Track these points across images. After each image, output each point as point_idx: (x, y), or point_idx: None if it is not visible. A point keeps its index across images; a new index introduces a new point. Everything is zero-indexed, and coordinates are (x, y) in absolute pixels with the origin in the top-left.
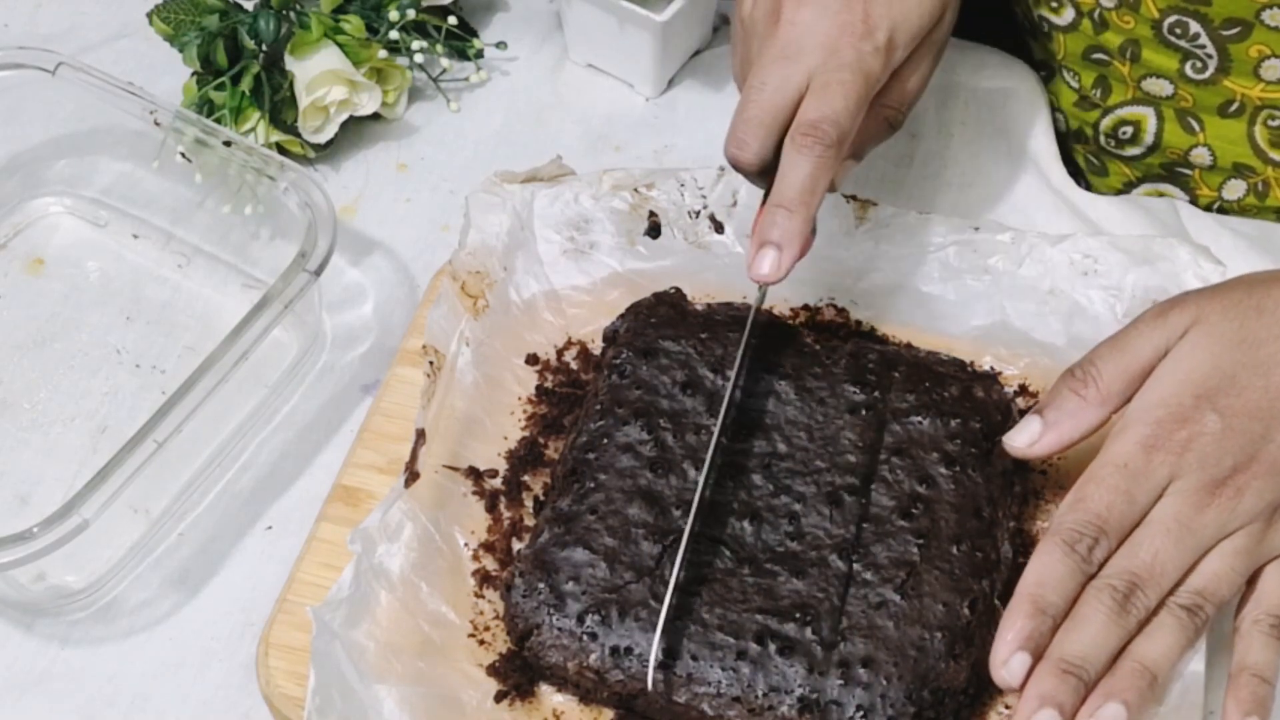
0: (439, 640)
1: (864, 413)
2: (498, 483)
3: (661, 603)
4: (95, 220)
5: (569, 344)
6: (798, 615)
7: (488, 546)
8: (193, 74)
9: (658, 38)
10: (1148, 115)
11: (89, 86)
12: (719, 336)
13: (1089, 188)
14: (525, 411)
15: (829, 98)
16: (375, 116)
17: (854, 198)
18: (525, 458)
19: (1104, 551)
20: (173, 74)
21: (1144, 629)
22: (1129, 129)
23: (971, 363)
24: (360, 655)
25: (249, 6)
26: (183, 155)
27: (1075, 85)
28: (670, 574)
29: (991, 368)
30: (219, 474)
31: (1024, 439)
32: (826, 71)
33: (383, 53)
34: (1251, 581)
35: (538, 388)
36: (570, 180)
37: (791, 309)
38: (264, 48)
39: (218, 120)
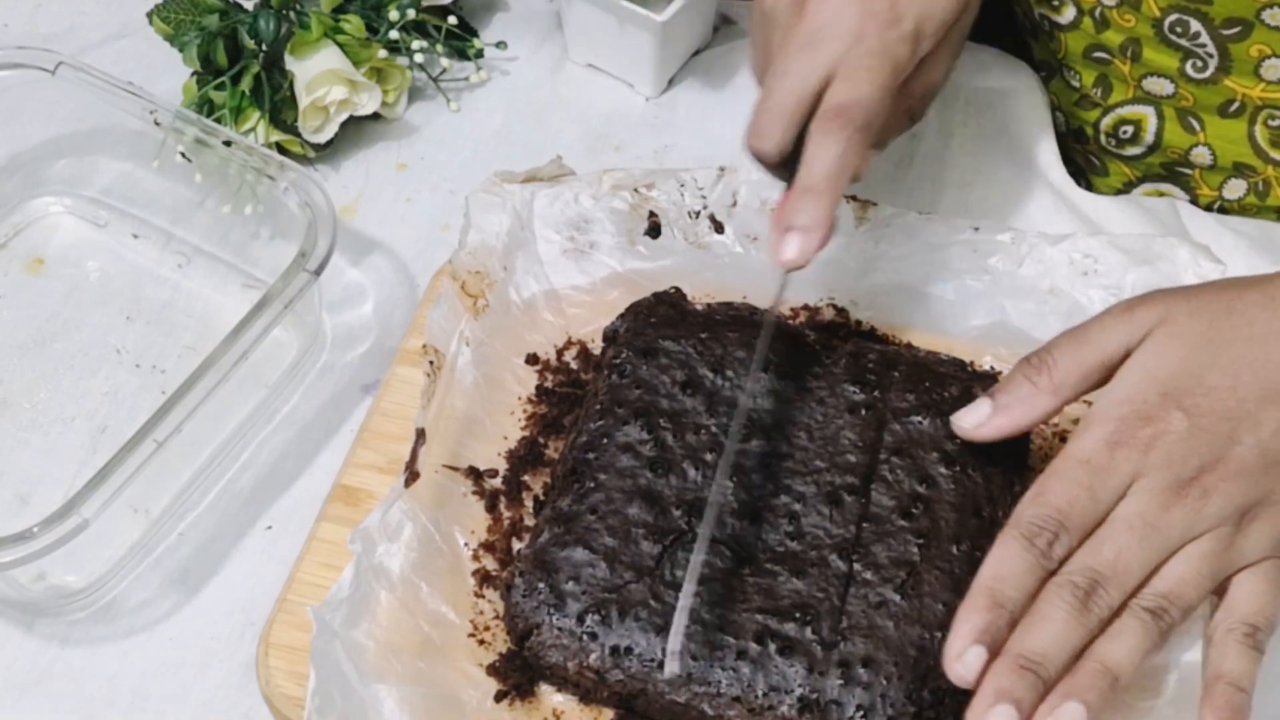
0: (439, 640)
1: (864, 412)
2: (498, 482)
3: (661, 602)
4: (95, 220)
5: (569, 344)
6: (798, 615)
7: (488, 546)
8: (193, 74)
9: (658, 37)
10: (1148, 114)
11: (89, 86)
12: (719, 336)
13: (1089, 187)
14: (525, 411)
15: (857, 82)
16: (375, 116)
17: (854, 198)
18: (525, 457)
19: (1064, 547)
20: (173, 74)
21: (1107, 630)
22: (1129, 128)
23: (971, 362)
24: (360, 655)
25: (249, 6)
26: (183, 155)
27: (1076, 84)
28: (671, 573)
29: (991, 368)
30: (219, 474)
31: (972, 420)
32: (853, 58)
33: (383, 52)
34: (1222, 590)
35: (538, 387)
36: (570, 180)
37: (791, 309)
38: (264, 47)
39: (218, 120)
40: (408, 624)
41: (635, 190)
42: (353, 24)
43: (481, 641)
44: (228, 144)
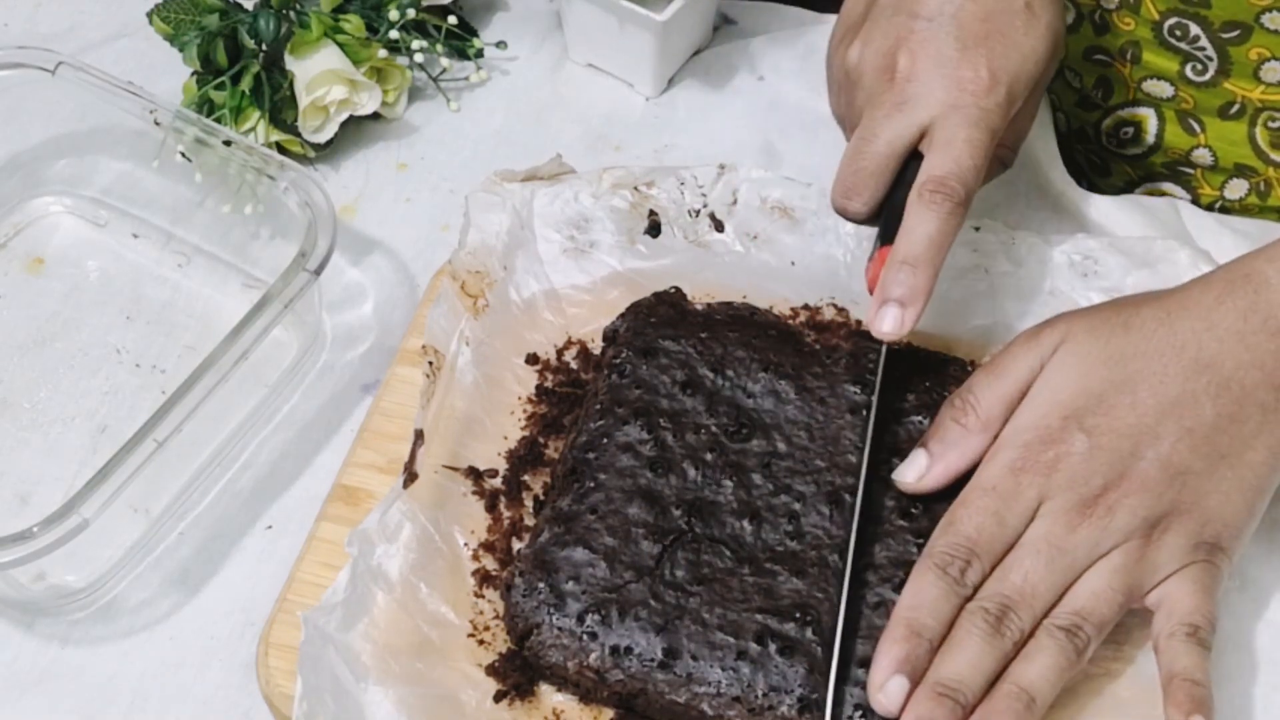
0: (438, 640)
1: (864, 413)
2: (498, 482)
3: (661, 602)
4: (95, 220)
5: (569, 343)
6: (798, 615)
7: (487, 546)
8: (193, 73)
9: (658, 37)
10: (1149, 116)
11: (89, 86)
12: (719, 336)
13: (1091, 187)
14: (525, 411)
15: (957, 154)
16: (375, 116)
17: None
18: (525, 457)
19: (977, 574)
20: (173, 74)
21: (1023, 651)
22: (1130, 129)
23: (972, 362)
24: (356, 657)
25: (249, 6)
26: (183, 155)
27: (1077, 85)
28: (671, 573)
29: None
30: (219, 473)
31: (912, 474)
32: (951, 125)
33: (383, 52)
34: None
35: (538, 387)
36: (570, 179)
37: (792, 308)
38: (264, 47)
39: (218, 120)
40: (407, 625)
41: (635, 189)
42: (353, 24)
43: (481, 642)
44: (228, 144)
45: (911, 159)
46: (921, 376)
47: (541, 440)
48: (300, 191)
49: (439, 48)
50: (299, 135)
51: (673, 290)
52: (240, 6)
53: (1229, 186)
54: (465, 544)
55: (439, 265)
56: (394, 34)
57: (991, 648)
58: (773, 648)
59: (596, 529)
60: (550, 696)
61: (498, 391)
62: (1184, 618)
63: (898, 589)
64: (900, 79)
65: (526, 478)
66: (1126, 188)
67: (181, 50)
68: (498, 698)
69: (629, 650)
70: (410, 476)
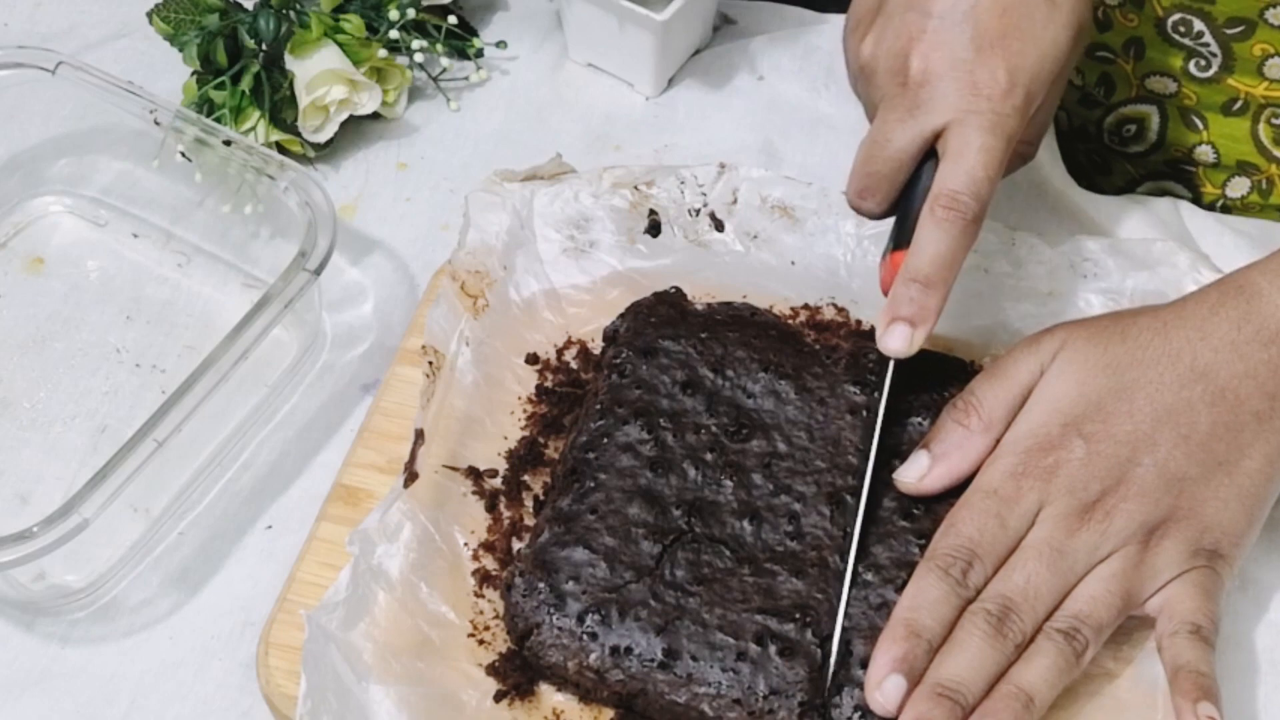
0: (438, 640)
1: (865, 413)
2: (498, 482)
3: (661, 602)
4: (95, 219)
5: (569, 343)
6: (797, 616)
7: (488, 546)
8: (193, 73)
9: (658, 37)
10: (1151, 113)
11: (89, 86)
12: (719, 336)
13: (1092, 186)
14: (525, 411)
15: (970, 165)
16: (375, 116)
17: None
18: (525, 457)
19: (979, 576)
20: (173, 73)
21: (1023, 654)
22: (1133, 126)
23: (972, 362)
24: (357, 656)
25: (249, 6)
26: (183, 154)
27: (1079, 82)
28: (671, 573)
29: None
30: (219, 473)
31: (913, 474)
32: (965, 133)
33: (383, 52)
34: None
35: (538, 387)
36: (570, 178)
37: (792, 308)
38: (264, 47)
39: (218, 119)
40: (407, 624)
41: (635, 188)
42: (353, 23)
43: (481, 641)
44: (228, 143)
45: (928, 158)
46: (922, 377)
47: (541, 440)
48: (300, 191)
49: (439, 47)
50: (299, 135)
51: (673, 290)
52: (240, 6)
53: (1231, 184)
54: (465, 544)
55: (439, 265)
56: (394, 34)
57: (993, 649)
58: (772, 649)
59: (596, 529)
60: (550, 696)
61: (498, 391)
62: (1186, 617)
63: (900, 590)
64: (913, 82)
65: (526, 478)
66: (1128, 186)
67: (181, 50)
68: (498, 697)
69: (629, 650)
70: (410, 476)
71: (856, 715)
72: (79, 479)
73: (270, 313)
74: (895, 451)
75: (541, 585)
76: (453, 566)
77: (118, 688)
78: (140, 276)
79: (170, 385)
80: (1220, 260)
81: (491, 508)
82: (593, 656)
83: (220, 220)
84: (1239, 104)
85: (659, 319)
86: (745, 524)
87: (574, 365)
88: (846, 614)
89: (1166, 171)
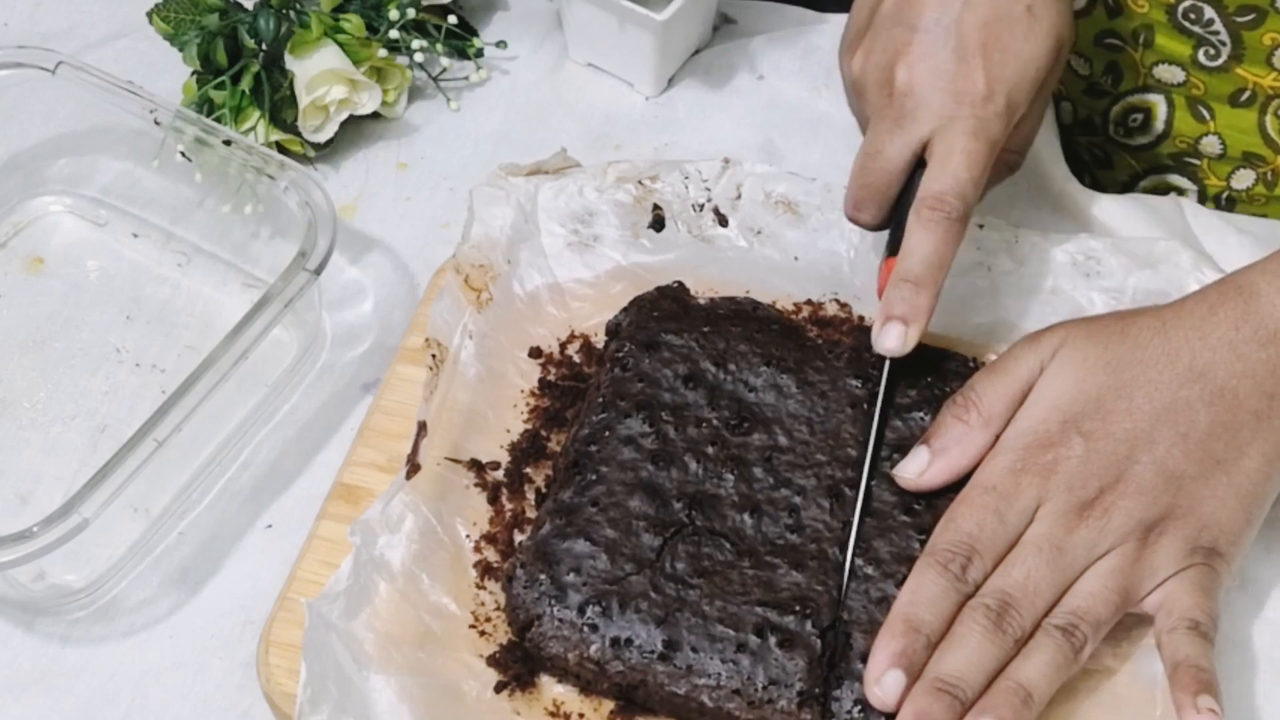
0: (440, 631)
1: (865, 407)
2: (500, 475)
3: (661, 594)
4: (95, 219)
5: (572, 337)
6: (797, 608)
7: (489, 538)
8: (193, 73)
9: (658, 37)
10: (1159, 102)
11: (89, 86)
12: (721, 330)
13: (1094, 181)
14: (528, 404)
15: (954, 168)
16: (375, 115)
17: None
18: (528, 450)
19: (979, 572)
20: (173, 73)
21: (1022, 650)
22: (1139, 116)
23: (974, 359)
24: (359, 646)
25: (249, 5)
26: (183, 154)
27: (1085, 72)
28: (672, 566)
29: None
30: (219, 473)
31: (913, 469)
32: (950, 136)
33: (383, 52)
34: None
35: (540, 381)
36: (575, 173)
37: (795, 303)
38: (264, 47)
39: (218, 119)
40: (408, 615)
41: (639, 182)
42: (353, 23)
43: (482, 633)
44: (228, 143)
45: (919, 168)
46: (924, 373)
47: (544, 433)
48: (300, 191)
49: (439, 47)
50: (299, 135)
51: (676, 285)
52: (240, 6)
53: (1236, 176)
54: (467, 535)
55: (439, 264)
56: (394, 33)
57: (992, 644)
58: (772, 640)
59: (598, 521)
60: (551, 688)
61: (501, 384)
62: (1185, 613)
63: (900, 584)
64: (899, 93)
65: (529, 470)
66: (1131, 180)
67: (181, 50)
68: (498, 688)
69: (629, 642)
70: (413, 468)
71: (856, 709)
72: (79, 479)
73: (270, 312)
74: (897, 447)
75: (542, 577)
76: (454, 558)
77: (118, 687)
78: (140, 276)
79: (170, 385)
80: (1224, 259)
81: (493, 500)
82: (593, 648)
83: (220, 220)
84: (1247, 94)
85: (662, 313)
86: (746, 517)
87: (577, 359)
88: (846, 607)
89: (1171, 164)
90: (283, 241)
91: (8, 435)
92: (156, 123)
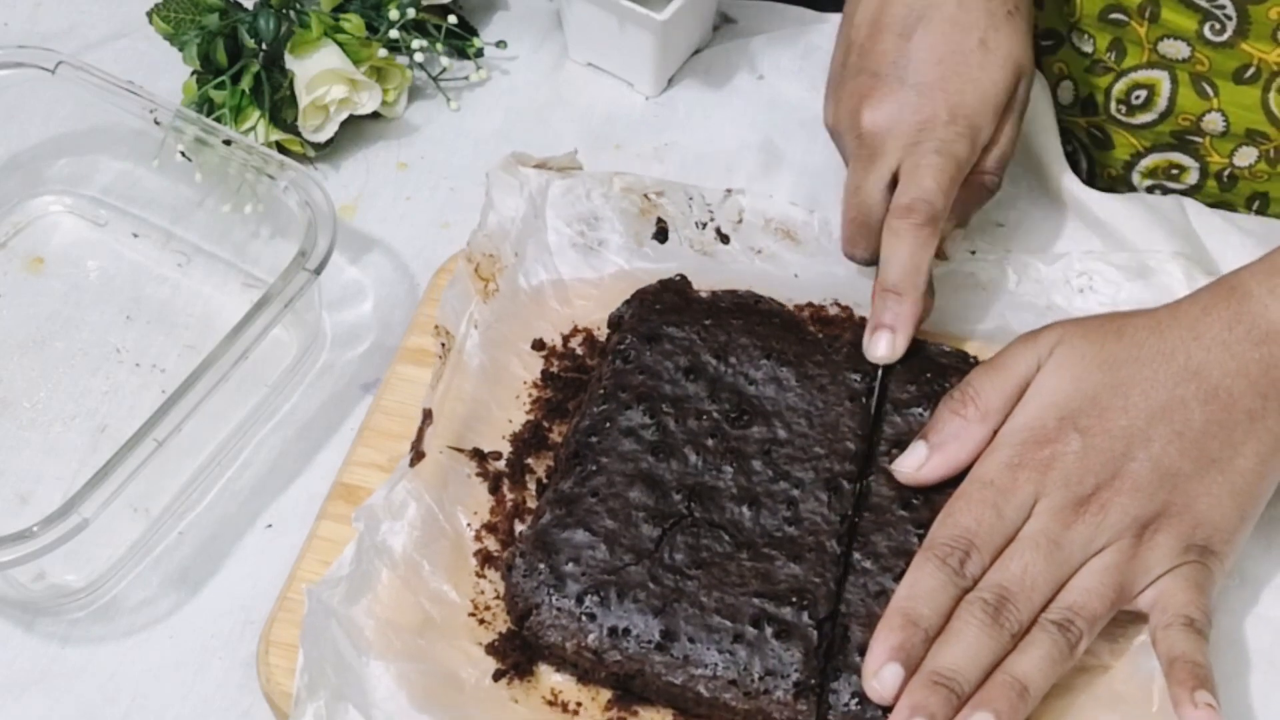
0: (439, 618)
1: (864, 401)
2: (501, 465)
3: (660, 585)
4: (95, 219)
5: (575, 330)
6: (794, 600)
7: (490, 527)
8: (193, 73)
9: (658, 36)
10: (1162, 79)
11: (89, 85)
12: (723, 323)
13: (1092, 163)
14: (530, 396)
15: (918, 180)
16: (375, 115)
17: None
18: (529, 440)
19: (977, 566)
20: (173, 73)
21: (1018, 644)
22: (1143, 93)
23: (975, 357)
24: (358, 632)
25: (249, 5)
26: (183, 154)
27: (1089, 50)
28: (670, 556)
29: None
30: (219, 473)
31: (911, 463)
32: (914, 156)
33: (383, 51)
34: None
35: (543, 372)
36: (581, 176)
37: (796, 305)
38: (264, 46)
39: (218, 119)
40: (409, 602)
41: (645, 196)
42: (353, 23)
43: (482, 621)
44: (228, 143)
45: None
46: (923, 369)
47: (546, 424)
48: (300, 191)
49: (439, 47)
50: (299, 134)
51: (678, 278)
52: (240, 6)
53: (1238, 154)
54: (468, 524)
55: (439, 264)
56: (394, 33)
57: (989, 639)
58: (769, 631)
59: (597, 512)
60: (549, 676)
61: (504, 375)
62: (1179, 610)
63: (897, 578)
64: (867, 135)
65: (530, 461)
66: (1132, 159)
67: (181, 50)
68: (497, 676)
69: (627, 632)
70: (417, 455)
71: (854, 701)
72: (79, 479)
73: (270, 312)
74: (895, 442)
75: (542, 566)
76: (455, 546)
77: (118, 687)
78: (140, 276)
79: (170, 385)
80: (1225, 259)
81: (495, 489)
82: (591, 637)
83: (220, 220)
84: (1251, 71)
85: (664, 305)
86: (744, 509)
87: (579, 351)
88: (845, 600)
89: (1173, 142)
90: (283, 241)
91: (8, 435)
92: (156, 123)
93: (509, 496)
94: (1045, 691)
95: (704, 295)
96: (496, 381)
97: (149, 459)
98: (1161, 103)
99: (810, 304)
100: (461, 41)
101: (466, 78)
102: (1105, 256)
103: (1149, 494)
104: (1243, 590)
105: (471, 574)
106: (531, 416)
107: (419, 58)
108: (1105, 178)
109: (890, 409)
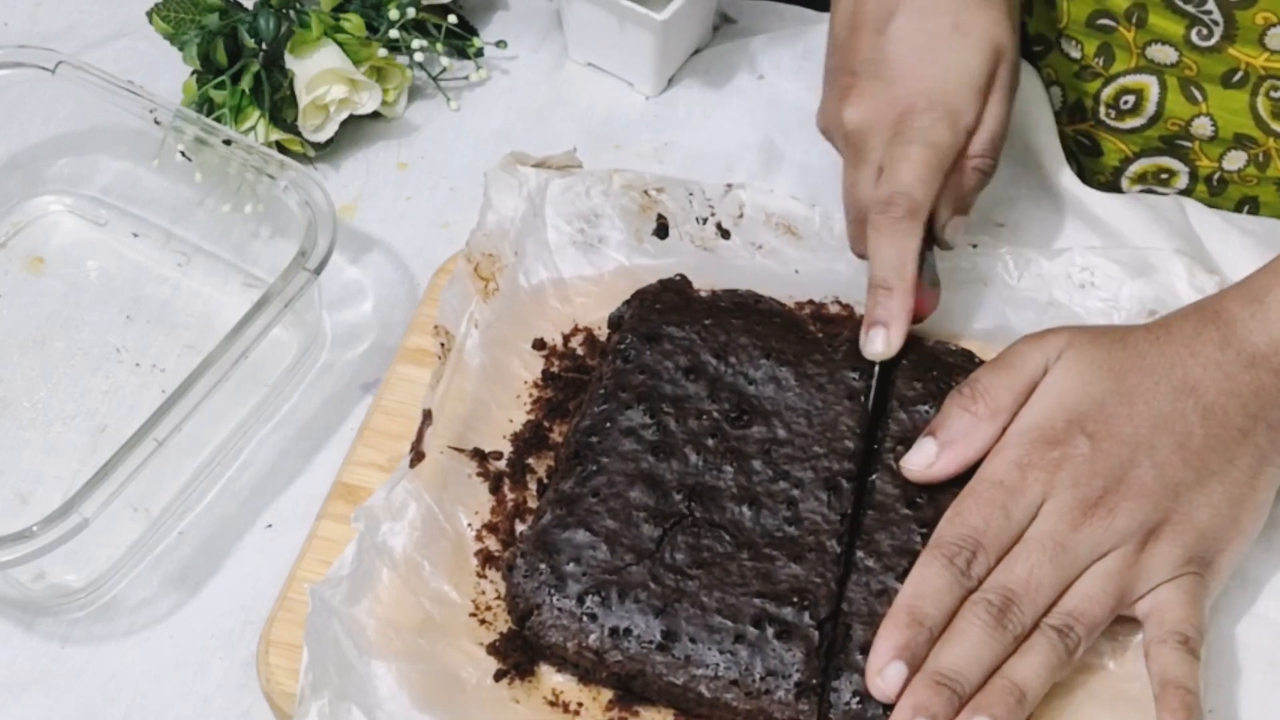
0: (440, 618)
1: (863, 399)
2: (502, 465)
3: (661, 584)
4: (95, 219)
5: (575, 330)
6: (795, 599)
7: (491, 527)
8: (193, 73)
9: (658, 36)
10: (1150, 84)
11: (89, 85)
12: (723, 323)
13: (1082, 170)
14: (531, 395)
15: (896, 173)
16: (375, 115)
17: None
18: (530, 440)
19: (983, 566)
20: (173, 73)
21: (1019, 648)
22: (1131, 98)
23: (979, 358)
24: (360, 631)
25: (249, 5)
26: (183, 154)
27: (1077, 55)
28: (671, 556)
29: None
30: (219, 472)
31: (921, 460)
32: (893, 149)
33: (383, 51)
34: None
35: (544, 372)
36: (581, 174)
37: (796, 303)
38: (264, 46)
39: (218, 119)
40: (409, 602)
41: (645, 192)
42: (353, 23)
43: (483, 621)
44: (228, 143)
45: None
46: (929, 365)
47: (546, 424)
48: (300, 191)
49: (439, 47)
50: (299, 134)
51: (678, 277)
52: (240, 6)
53: (1228, 158)
54: (469, 524)
55: (439, 264)
56: (394, 33)
57: (992, 640)
58: (770, 631)
59: (598, 512)
60: (550, 677)
61: (504, 375)
62: (1174, 627)
63: (900, 577)
64: (851, 133)
65: (531, 461)
66: (1121, 165)
67: (181, 49)
68: (498, 676)
69: (628, 632)
70: (417, 455)
71: (855, 701)
72: (79, 479)
73: (270, 312)
74: (901, 439)
75: (542, 566)
76: (456, 546)
77: (118, 687)
78: (140, 276)
79: (170, 385)
80: (1225, 259)
81: (495, 490)
82: (592, 637)
83: (220, 220)
84: (1239, 75)
85: (664, 305)
86: (745, 509)
87: (580, 351)
88: (847, 599)
89: (1162, 147)
90: (283, 241)
91: (8, 435)
92: (156, 122)
93: (510, 496)
94: (1041, 696)
95: (704, 295)
96: (497, 381)
97: (149, 459)
98: (1150, 107)
99: (811, 301)
100: (461, 41)
101: (466, 78)
102: (1107, 252)
103: (1154, 501)
104: (1243, 590)
105: (472, 574)
106: (532, 416)
107: (419, 57)
108: (1094, 184)
109: (896, 405)
